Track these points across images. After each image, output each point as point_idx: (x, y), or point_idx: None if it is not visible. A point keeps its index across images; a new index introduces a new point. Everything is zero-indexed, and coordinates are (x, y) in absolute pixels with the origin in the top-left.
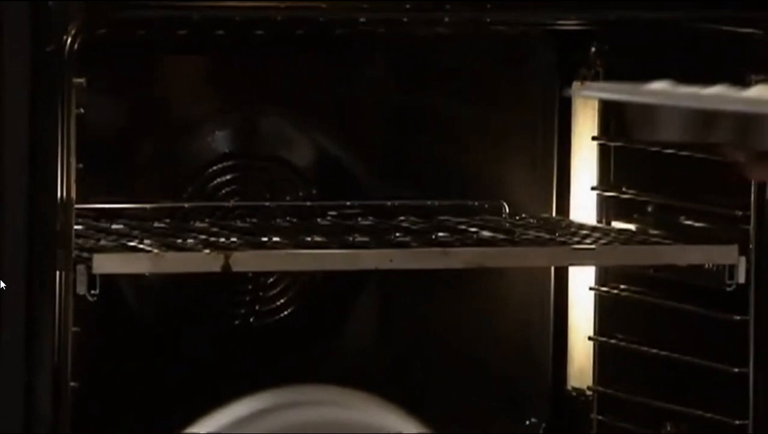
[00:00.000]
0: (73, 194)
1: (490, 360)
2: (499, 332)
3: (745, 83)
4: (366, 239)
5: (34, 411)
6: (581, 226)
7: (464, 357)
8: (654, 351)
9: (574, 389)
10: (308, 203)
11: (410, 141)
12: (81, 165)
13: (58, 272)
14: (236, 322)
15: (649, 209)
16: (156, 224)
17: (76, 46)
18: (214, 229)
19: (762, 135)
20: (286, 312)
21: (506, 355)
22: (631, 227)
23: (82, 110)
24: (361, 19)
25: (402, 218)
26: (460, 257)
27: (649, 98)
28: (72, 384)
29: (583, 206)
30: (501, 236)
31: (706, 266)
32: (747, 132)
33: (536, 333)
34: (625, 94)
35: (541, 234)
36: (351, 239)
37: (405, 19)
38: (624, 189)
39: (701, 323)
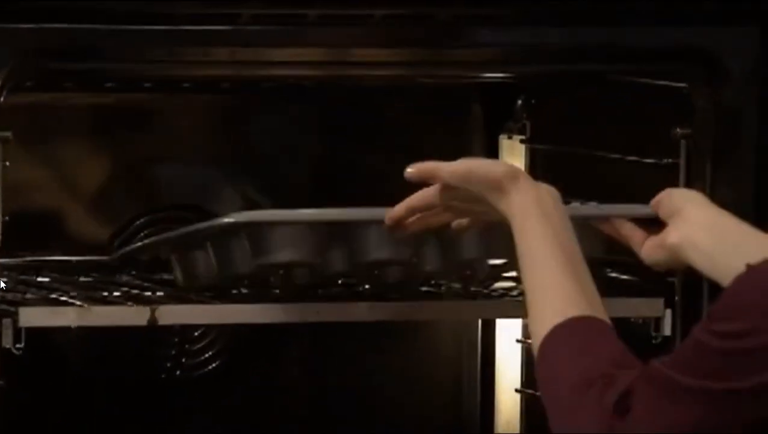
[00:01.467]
0: None
1: (419, 410)
2: (427, 383)
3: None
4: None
5: None
6: (510, 278)
7: (393, 407)
8: None
9: None
10: None
11: (336, 192)
12: (6, 218)
13: None
14: (162, 375)
15: None
16: (82, 278)
17: (2, 98)
18: (140, 282)
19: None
20: (213, 364)
21: (434, 406)
22: None
23: (7, 163)
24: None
25: None
26: (386, 310)
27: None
28: None
29: None
30: (426, 288)
31: (632, 319)
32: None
33: (464, 385)
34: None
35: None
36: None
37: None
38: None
39: None
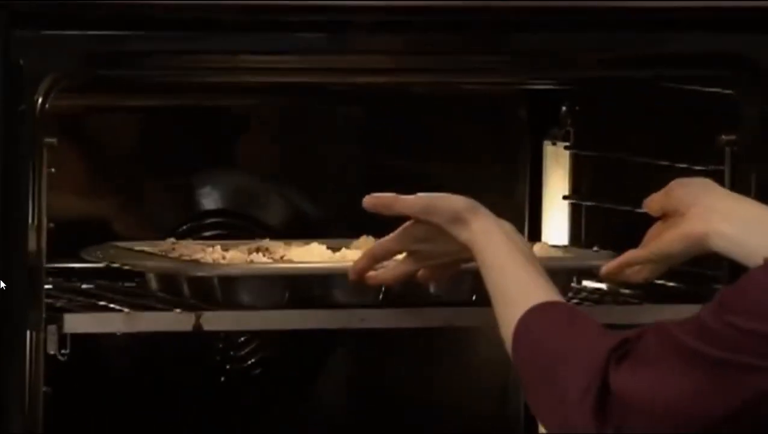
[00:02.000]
0: (44, 254)
1: (464, 414)
2: (473, 387)
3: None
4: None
5: None
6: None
7: (437, 413)
8: None
9: None
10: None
11: None
12: (52, 225)
13: (28, 332)
14: (207, 380)
15: None
16: (126, 284)
17: (47, 105)
18: None
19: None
20: (257, 370)
21: (480, 410)
22: (603, 286)
23: (53, 170)
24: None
25: None
26: (433, 317)
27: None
28: None
29: None
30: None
31: None
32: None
33: (509, 389)
34: None
35: None
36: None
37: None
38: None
39: None
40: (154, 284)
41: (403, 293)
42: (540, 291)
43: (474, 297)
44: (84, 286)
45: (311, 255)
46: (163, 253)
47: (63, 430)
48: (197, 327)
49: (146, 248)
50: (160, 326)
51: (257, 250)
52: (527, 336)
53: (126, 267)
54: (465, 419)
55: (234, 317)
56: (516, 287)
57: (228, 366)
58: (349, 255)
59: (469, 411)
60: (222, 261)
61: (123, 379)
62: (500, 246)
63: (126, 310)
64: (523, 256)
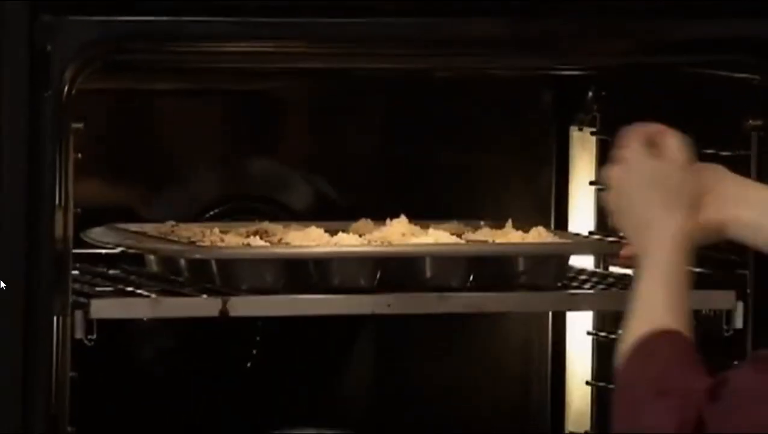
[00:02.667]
0: (71, 239)
1: (488, 404)
2: (497, 376)
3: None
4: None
5: None
6: (579, 271)
7: (462, 400)
8: None
9: (572, 433)
10: None
11: (405, 186)
12: (79, 210)
13: (55, 318)
14: (233, 366)
15: None
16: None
17: (74, 90)
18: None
19: None
20: (283, 356)
21: (504, 399)
22: (629, 271)
23: (79, 155)
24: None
25: None
26: (457, 302)
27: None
28: (69, 429)
29: None
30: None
31: (704, 311)
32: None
33: (534, 378)
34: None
35: None
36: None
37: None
38: (621, 234)
39: None
40: (154, 266)
41: (400, 278)
42: (677, 318)
43: (469, 283)
44: (111, 271)
45: (309, 238)
46: (163, 235)
47: (88, 416)
48: (224, 312)
49: (147, 230)
50: (187, 311)
51: (255, 233)
52: (644, 358)
53: (131, 250)
54: (487, 407)
55: (262, 302)
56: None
57: (254, 351)
58: (345, 239)
59: (492, 400)
60: (219, 244)
61: (148, 365)
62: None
63: (153, 295)
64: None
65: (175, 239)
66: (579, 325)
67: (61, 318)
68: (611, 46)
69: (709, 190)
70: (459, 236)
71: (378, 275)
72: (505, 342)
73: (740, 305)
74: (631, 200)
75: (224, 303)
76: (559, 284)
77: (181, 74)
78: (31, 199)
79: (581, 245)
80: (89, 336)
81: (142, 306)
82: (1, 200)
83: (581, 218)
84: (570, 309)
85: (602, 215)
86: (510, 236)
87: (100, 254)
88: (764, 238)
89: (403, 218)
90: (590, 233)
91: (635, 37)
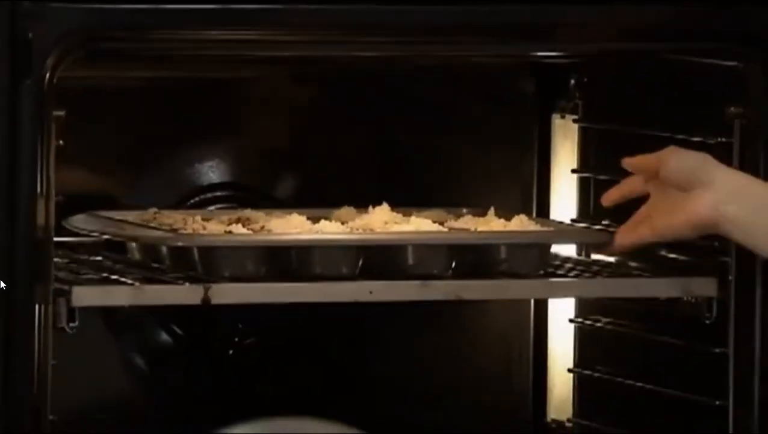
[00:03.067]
0: (53, 227)
1: (470, 392)
2: (479, 364)
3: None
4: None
5: None
6: (561, 258)
7: (443, 388)
8: (634, 383)
9: (554, 421)
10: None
11: (387, 173)
12: (60, 197)
13: (37, 306)
14: (215, 353)
15: None
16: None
17: (56, 77)
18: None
19: None
20: (265, 343)
21: (485, 387)
22: (610, 259)
23: (61, 142)
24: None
25: None
26: (439, 289)
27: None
28: (51, 417)
29: None
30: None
31: (685, 298)
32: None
33: (516, 365)
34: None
35: None
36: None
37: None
38: (603, 221)
39: (681, 356)
40: (136, 254)
41: (382, 265)
42: None
43: (451, 270)
44: (93, 259)
45: (291, 226)
46: (145, 222)
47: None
48: (206, 300)
49: (129, 218)
50: (169, 299)
51: (237, 220)
52: None
53: (113, 238)
54: (469, 395)
55: (244, 290)
56: None
57: (236, 338)
58: (327, 226)
59: (473, 387)
60: (201, 231)
61: (131, 353)
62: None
63: (135, 283)
64: None
65: (157, 226)
66: (561, 313)
67: (42, 306)
68: (592, 33)
69: (697, 179)
70: (441, 223)
71: (360, 263)
72: (487, 329)
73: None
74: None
75: (206, 291)
76: (542, 272)
77: (164, 62)
78: (12, 186)
79: (563, 233)
80: (71, 324)
81: (124, 294)
82: None
83: (563, 205)
84: (552, 297)
85: (584, 202)
86: (492, 224)
87: (82, 241)
88: (755, 238)
89: (385, 206)
90: (573, 220)
91: (613, 25)
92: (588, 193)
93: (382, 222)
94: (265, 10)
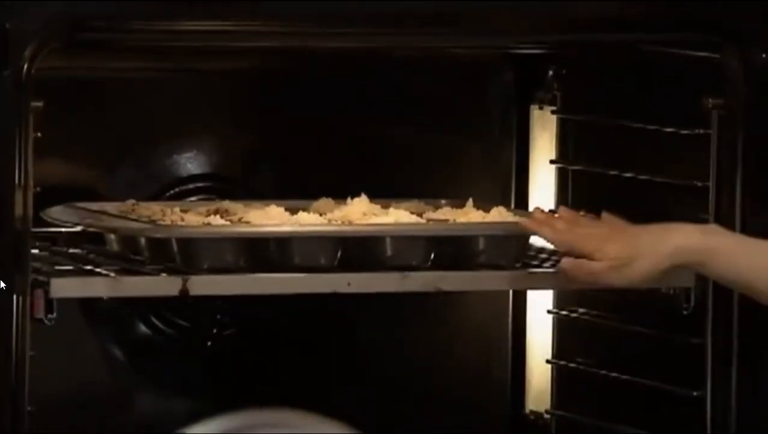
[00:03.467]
0: (30, 218)
1: (449, 383)
2: (458, 355)
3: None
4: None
5: None
6: (540, 250)
7: (422, 379)
8: (612, 374)
9: (533, 412)
10: None
11: (366, 165)
12: (38, 189)
13: (15, 297)
14: (194, 344)
15: None
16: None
17: (33, 69)
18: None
19: None
20: (244, 335)
21: (464, 379)
22: None
23: (39, 134)
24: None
25: None
26: (418, 281)
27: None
28: (29, 408)
29: None
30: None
31: (663, 289)
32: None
33: (494, 357)
34: None
35: None
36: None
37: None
38: (582, 213)
39: (659, 346)
40: (114, 245)
41: (361, 257)
42: None
43: (429, 262)
44: (71, 250)
45: (269, 217)
46: (123, 214)
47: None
48: (184, 291)
49: (108, 209)
50: (147, 290)
51: (216, 212)
52: None
53: (91, 229)
54: (448, 386)
55: (222, 281)
56: None
57: (215, 330)
58: (305, 218)
59: (452, 379)
60: (180, 223)
61: (109, 344)
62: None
63: (113, 274)
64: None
65: (136, 218)
66: (539, 304)
67: (20, 297)
68: (567, 24)
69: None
70: (420, 215)
71: (339, 255)
72: (466, 320)
73: (699, 283)
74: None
75: (184, 282)
76: (520, 264)
77: (141, 53)
78: None
79: None
80: (49, 316)
81: (102, 285)
82: None
83: (542, 196)
84: (530, 288)
85: (562, 193)
86: (471, 215)
87: (60, 233)
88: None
89: (363, 197)
90: (551, 211)
91: (594, 15)
92: (566, 184)
93: (360, 213)
94: (239, 2)
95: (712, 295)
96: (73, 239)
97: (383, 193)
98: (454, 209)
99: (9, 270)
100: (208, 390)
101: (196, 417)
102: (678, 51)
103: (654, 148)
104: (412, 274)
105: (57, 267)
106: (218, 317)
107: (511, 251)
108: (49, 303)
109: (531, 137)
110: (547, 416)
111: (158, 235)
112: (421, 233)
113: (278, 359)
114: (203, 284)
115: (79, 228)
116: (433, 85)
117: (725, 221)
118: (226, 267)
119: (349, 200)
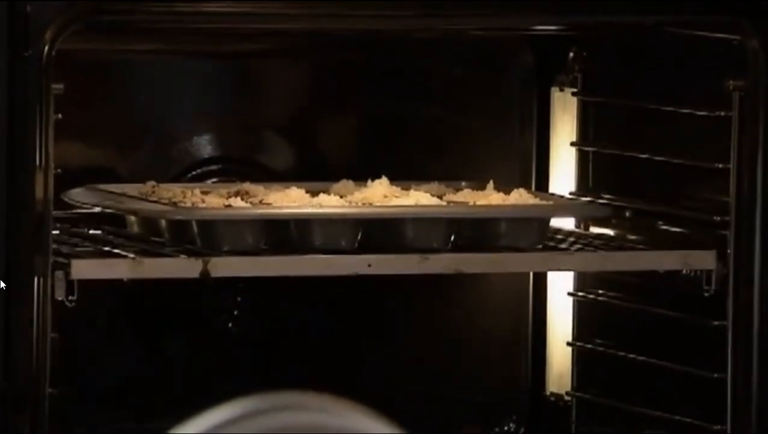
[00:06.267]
0: (51, 200)
1: (469, 365)
2: (478, 338)
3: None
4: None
5: (12, 418)
6: (559, 231)
7: (443, 362)
8: (632, 356)
9: (553, 394)
10: None
11: (386, 147)
12: (59, 170)
13: (36, 278)
14: (215, 327)
15: (627, 214)
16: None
17: (54, 51)
18: None
19: None
20: (266, 317)
21: (485, 361)
22: (609, 232)
23: (59, 116)
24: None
25: None
26: (438, 263)
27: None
28: (50, 390)
29: None
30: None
31: (684, 271)
32: None
33: (515, 339)
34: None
35: None
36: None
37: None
38: (602, 194)
39: (679, 329)
40: (135, 227)
41: (381, 239)
42: None
43: (449, 244)
44: (91, 232)
45: (290, 199)
46: (144, 196)
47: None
48: (204, 273)
49: (128, 191)
50: (167, 272)
51: (236, 194)
52: None
53: (112, 211)
54: (468, 368)
55: (243, 263)
56: None
57: (236, 312)
58: (326, 200)
59: (473, 361)
60: (200, 205)
61: (130, 326)
62: None
63: (133, 256)
64: None
65: (156, 199)
66: (560, 286)
67: (41, 279)
68: (590, 4)
69: None
70: (440, 197)
71: (359, 237)
72: (486, 303)
73: (720, 265)
74: None
75: (205, 264)
76: (540, 246)
77: (161, 35)
78: (11, 160)
79: (562, 206)
80: (70, 297)
81: (122, 267)
82: None
83: (562, 179)
84: (551, 270)
85: (583, 175)
86: (491, 197)
87: (81, 214)
88: None
89: (384, 179)
90: (571, 194)
91: None
92: (587, 166)
93: (380, 196)
94: None
95: (733, 277)
96: (93, 220)
97: (404, 175)
98: (475, 192)
99: (30, 252)
100: (229, 371)
101: (216, 399)
102: (699, 32)
103: (675, 130)
104: (433, 256)
105: (77, 249)
106: (238, 299)
107: (532, 234)
108: (69, 285)
109: (551, 119)
110: (567, 398)
111: (179, 217)
112: (442, 215)
113: (298, 341)
114: (224, 266)
115: (99, 210)
116: (453, 67)
117: (746, 203)
118: (246, 249)
119: (369, 182)
